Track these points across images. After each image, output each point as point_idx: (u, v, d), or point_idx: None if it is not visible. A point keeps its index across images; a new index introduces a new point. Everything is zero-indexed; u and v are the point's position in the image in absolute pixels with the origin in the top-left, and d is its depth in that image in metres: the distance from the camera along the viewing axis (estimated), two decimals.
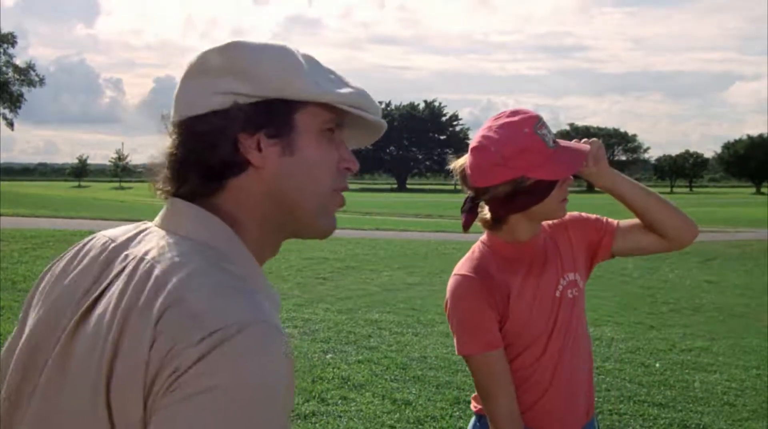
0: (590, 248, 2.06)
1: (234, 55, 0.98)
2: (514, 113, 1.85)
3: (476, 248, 1.99)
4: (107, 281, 0.95)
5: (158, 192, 1.03)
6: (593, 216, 2.09)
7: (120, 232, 1.04)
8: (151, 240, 0.98)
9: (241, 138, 0.97)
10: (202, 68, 0.99)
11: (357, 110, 1.02)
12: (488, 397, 1.90)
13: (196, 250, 0.94)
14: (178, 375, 0.80)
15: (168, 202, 1.02)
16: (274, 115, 0.97)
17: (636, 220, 2.03)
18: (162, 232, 0.99)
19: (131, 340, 0.85)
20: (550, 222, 2.03)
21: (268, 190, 0.99)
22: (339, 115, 1.03)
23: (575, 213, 2.08)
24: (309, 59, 1.02)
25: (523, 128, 1.81)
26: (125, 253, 0.98)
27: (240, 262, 0.96)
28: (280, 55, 0.99)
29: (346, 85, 1.03)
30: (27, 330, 1.01)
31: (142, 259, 0.94)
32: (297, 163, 0.99)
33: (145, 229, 1.03)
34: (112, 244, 1.01)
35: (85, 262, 1.02)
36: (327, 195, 1.03)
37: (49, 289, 1.04)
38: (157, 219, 1.03)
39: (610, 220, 2.08)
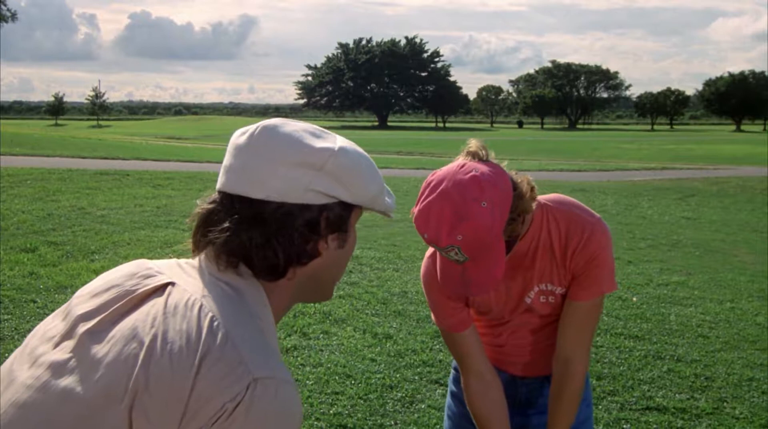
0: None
1: (338, 163, 1.05)
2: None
3: None
4: (144, 289, 1.03)
5: (200, 253, 1.08)
6: (596, 276, 1.84)
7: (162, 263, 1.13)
8: (191, 274, 1.06)
9: (328, 237, 1.08)
10: (301, 161, 1.04)
11: (391, 215, 1.18)
12: (457, 360, 2.00)
13: (233, 298, 1.02)
14: (228, 413, 0.90)
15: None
16: (348, 218, 1.10)
17: (563, 324, 1.89)
18: (206, 274, 1.06)
19: (174, 363, 0.92)
20: (573, 240, 1.81)
21: (313, 274, 1.10)
22: None
23: (599, 260, 1.82)
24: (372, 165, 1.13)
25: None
26: (165, 276, 1.05)
27: (265, 318, 1.05)
28: (371, 169, 1.11)
29: (383, 183, 1.14)
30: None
31: (184, 289, 1.01)
32: (343, 254, 1.13)
33: (185, 264, 1.10)
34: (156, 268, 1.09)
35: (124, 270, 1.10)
36: None
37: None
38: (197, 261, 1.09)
39: (586, 295, 1.85)
